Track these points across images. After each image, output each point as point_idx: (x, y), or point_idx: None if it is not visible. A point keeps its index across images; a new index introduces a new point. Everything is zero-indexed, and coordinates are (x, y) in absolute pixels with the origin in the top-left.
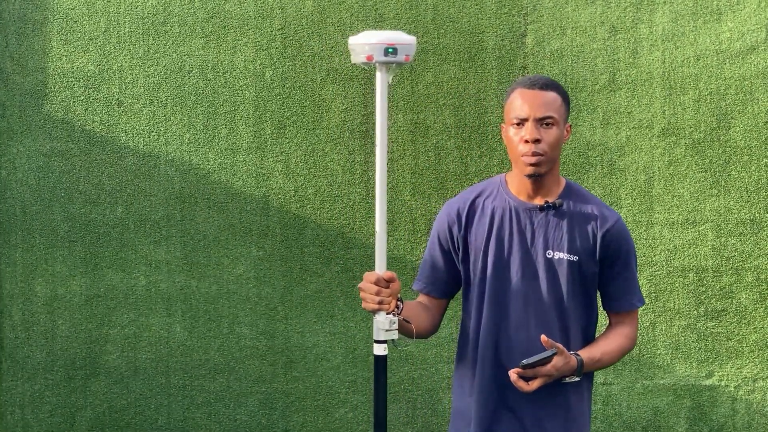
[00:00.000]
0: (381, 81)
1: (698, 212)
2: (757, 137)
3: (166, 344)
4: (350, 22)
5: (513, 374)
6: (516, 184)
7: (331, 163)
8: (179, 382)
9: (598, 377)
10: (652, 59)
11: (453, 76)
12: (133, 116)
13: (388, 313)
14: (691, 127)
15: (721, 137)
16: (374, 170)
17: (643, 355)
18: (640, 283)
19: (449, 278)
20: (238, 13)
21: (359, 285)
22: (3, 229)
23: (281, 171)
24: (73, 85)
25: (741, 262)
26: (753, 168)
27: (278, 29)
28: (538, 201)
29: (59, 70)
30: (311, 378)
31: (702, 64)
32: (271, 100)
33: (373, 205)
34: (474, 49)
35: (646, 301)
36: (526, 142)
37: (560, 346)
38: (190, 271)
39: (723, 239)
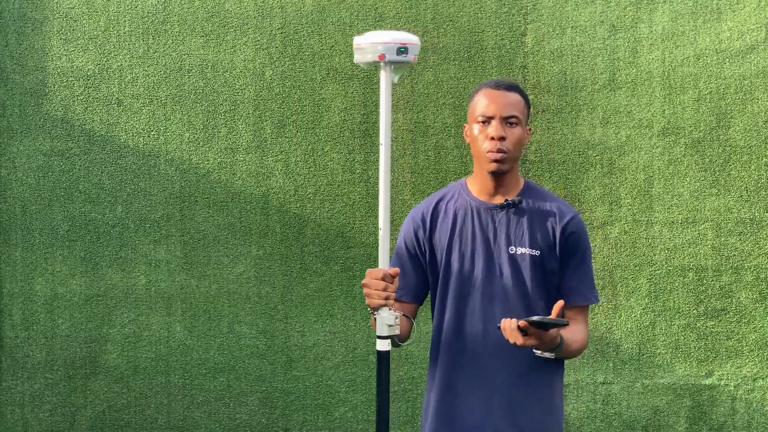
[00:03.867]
0: (387, 80)
1: (698, 211)
2: (756, 136)
3: (166, 343)
4: (350, 21)
5: (510, 323)
6: (477, 186)
7: (331, 162)
8: (179, 382)
9: (598, 377)
10: (652, 59)
11: (453, 75)
12: (132, 115)
13: (390, 309)
14: (690, 127)
15: (721, 137)
16: (374, 169)
17: (643, 355)
18: (640, 281)
19: (419, 283)
20: (237, 12)
21: (363, 281)
22: (3, 229)
23: (281, 170)
24: (73, 84)
25: (741, 262)
26: (753, 167)
27: (278, 28)
28: (499, 200)
29: (59, 70)
30: (311, 377)
31: (702, 63)
32: (271, 99)
33: (374, 203)
34: (474, 48)
35: (646, 300)
36: (492, 139)
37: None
38: (190, 271)
39: (723, 238)
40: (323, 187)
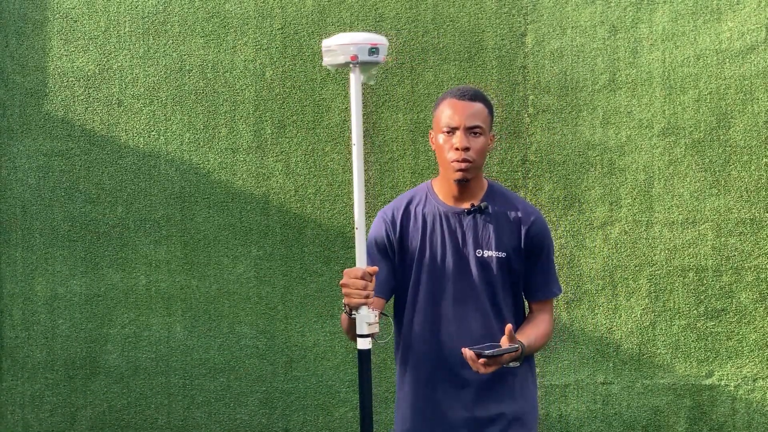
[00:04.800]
0: (357, 81)
1: (698, 212)
2: (756, 137)
3: (166, 344)
4: (350, 21)
5: (472, 354)
6: (443, 190)
7: (331, 162)
8: (179, 382)
9: (598, 377)
10: (652, 59)
11: (453, 75)
12: (133, 116)
13: (368, 308)
14: (691, 127)
15: (721, 137)
16: (374, 170)
17: (643, 355)
18: (640, 282)
19: (390, 279)
20: (238, 12)
21: (342, 281)
22: (3, 229)
23: (281, 170)
24: (74, 84)
25: (741, 262)
26: (753, 167)
27: (278, 29)
28: (465, 205)
29: (59, 70)
30: (311, 377)
31: (702, 63)
32: (271, 99)
33: (374, 204)
34: (474, 48)
35: (646, 301)
36: (456, 149)
37: (515, 339)
38: (191, 271)
39: (723, 239)
40: (323, 187)
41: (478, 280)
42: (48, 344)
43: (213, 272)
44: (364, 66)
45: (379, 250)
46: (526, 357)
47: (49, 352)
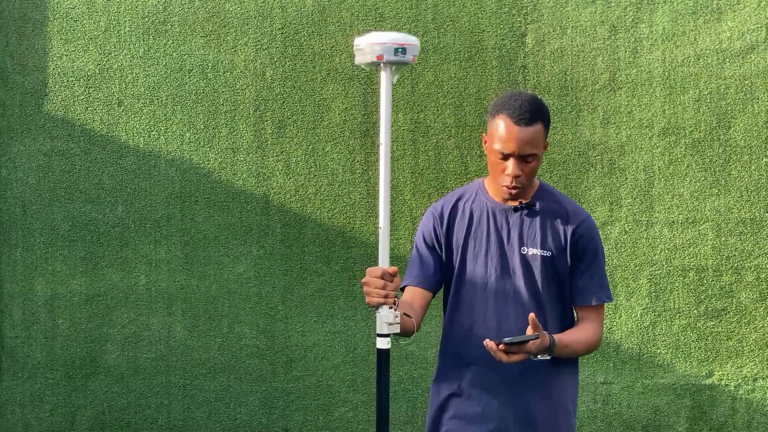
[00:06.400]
0: (386, 81)
1: (698, 211)
2: (757, 137)
3: (167, 343)
4: (351, 21)
5: (492, 344)
6: (493, 188)
7: (332, 162)
8: (179, 382)
9: (598, 377)
10: (653, 59)
11: (453, 75)
12: (133, 116)
13: (390, 308)
14: (691, 127)
15: (721, 137)
16: (375, 169)
17: (644, 355)
18: (641, 281)
19: (437, 272)
20: (238, 12)
21: (362, 280)
22: (3, 229)
23: (282, 170)
24: (74, 84)
25: (741, 262)
26: (753, 167)
27: (279, 29)
28: (514, 202)
29: (59, 70)
30: (311, 377)
31: (702, 63)
32: (272, 99)
33: (374, 203)
34: (474, 48)
35: (646, 300)
36: (508, 175)
37: (540, 328)
38: (191, 271)
39: (723, 238)
40: (324, 187)
41: (521, 277)
42: (48, 344)
43: (213, 272)
44: (393, 66)
45: (427, 246)
46: (570, 363)
47: (49, 352)
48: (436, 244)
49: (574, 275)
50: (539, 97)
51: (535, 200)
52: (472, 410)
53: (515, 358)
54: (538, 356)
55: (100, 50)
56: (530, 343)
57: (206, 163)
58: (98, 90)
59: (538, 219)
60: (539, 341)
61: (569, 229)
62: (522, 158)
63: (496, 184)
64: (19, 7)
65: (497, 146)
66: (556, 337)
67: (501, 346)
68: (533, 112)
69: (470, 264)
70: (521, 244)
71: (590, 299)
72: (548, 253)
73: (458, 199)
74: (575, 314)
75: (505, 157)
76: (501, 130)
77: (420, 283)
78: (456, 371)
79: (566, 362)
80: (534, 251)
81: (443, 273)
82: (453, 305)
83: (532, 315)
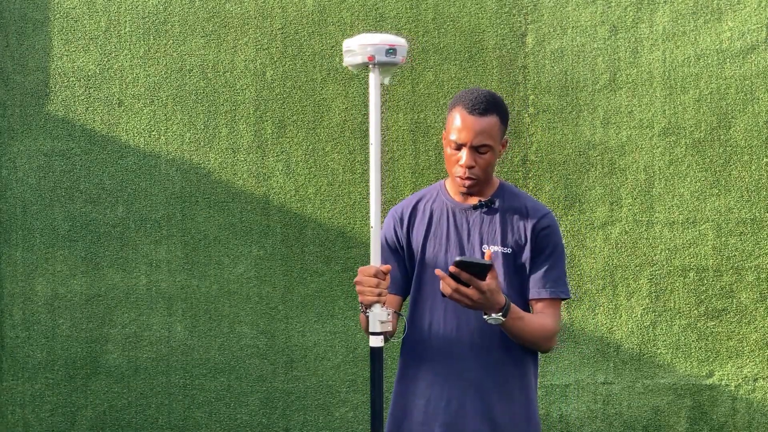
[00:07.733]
0: (376, 81)
1: (699, 212)
2: (757, 137)
3: (167, 343)
4: (351, 21)
5: (440, 271)
6: (453, 188)
7: (332, 162)
8: (180, 382)
9: (599, 377)
10: (653, 59)
11: (453, 75)
12: (133, 116)
13: (382, 306)
14: (691, 127)
15: (722, 137)
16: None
17: (644, 355)
18: (641, 282)
19: (402, 276)
20: (238, 12)
21: (355, 279)
22: (3, 229)
23: (282, 170)
24: (74, 84)
25: (741, 262)
26: (753, 167)
27: (279, 29)
28: (473, 201)
29: (60, 70)
30: (312, 377)
31: (702, 63)
32: (272, 99)
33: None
34: (474, 48)
35: (647, 301)
36: (461, 166)
37: (496, 274)
38: (191, 271)
39: (723, 239)
40: (324, 187)
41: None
42: (48, 344)
43: (213, 272)
44: (383, 67)
45: (390, 249)
46: (531, 357)
47: (49, 352)
48: (398, 247)
49: (533, 269)
50: (498, 94)
51: (495, 198)
52: (432, 409)
53: (461, 297)
54: (492, 315)
55: (100, 50)
56: (484, 282)
57: (206, 163)
58: (99, 90)
59: (498, 216)
60: (494, 286)
61: (529, 224)
62: (475, 149)
63: (451, 177)
64: (19, 7)
65: (452, 136)
66: (522, 313)
67: (452, 268)
68: (488, 104)
69: (430, 263)
70: (482, 242)
71: (546, 293)
72: (509, 250)
73: (419, 201)
74: (531, 309)
75: (459, 147)
76: (456, 121)
77: (390, 289)
78: (416, 371)
79: (528, 362)
80: (495, 248)
81: (409, 275)
82: (413, 305)
83: (488, 250)
